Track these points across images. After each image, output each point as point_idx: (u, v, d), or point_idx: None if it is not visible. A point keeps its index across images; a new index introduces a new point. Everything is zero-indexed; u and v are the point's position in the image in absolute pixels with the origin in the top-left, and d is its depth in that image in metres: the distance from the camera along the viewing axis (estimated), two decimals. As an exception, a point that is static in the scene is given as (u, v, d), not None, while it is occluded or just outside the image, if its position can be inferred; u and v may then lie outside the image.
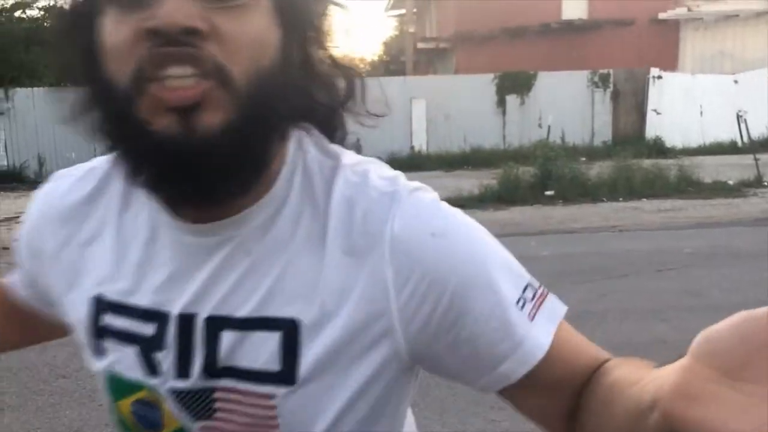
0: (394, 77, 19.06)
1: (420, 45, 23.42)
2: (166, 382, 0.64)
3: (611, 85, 17.21)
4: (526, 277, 0.63)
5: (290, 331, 0.60)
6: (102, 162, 0.71)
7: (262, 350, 0.61)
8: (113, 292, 0.66)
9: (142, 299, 0.64)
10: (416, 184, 0.64)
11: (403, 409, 0.69)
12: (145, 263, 0.65)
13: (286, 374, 0.61)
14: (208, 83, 0.53)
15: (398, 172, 0.65)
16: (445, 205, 0.63)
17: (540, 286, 0.64)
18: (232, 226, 0.62)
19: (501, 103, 17.19)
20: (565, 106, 16.69)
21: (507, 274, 0.62)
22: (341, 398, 0.62)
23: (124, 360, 0.66)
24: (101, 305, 0.66)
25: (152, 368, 0.64)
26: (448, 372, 0.64)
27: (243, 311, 0.61)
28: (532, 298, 0.62)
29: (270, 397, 0.61)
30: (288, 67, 0.58)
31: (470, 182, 10.85)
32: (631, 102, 17.21)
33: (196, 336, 0.62)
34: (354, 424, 0.63)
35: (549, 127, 15.60)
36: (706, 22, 19.30)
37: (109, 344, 0.66)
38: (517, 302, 0.61)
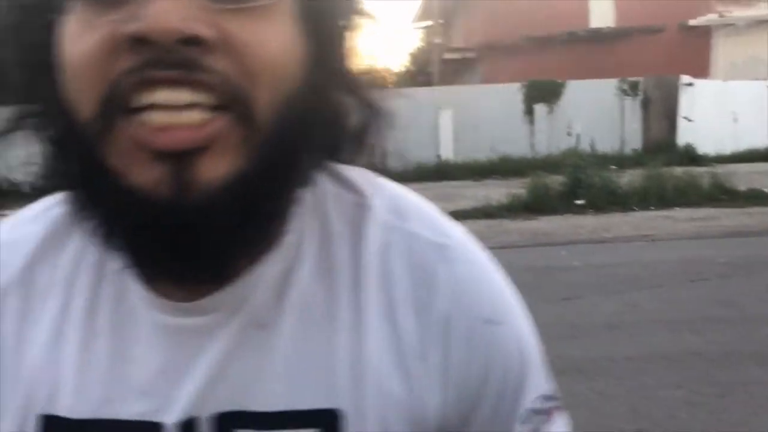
0: (421, 87, 19.10)
1: (447, 56, 23.44)
2: None
3: (641, 93, 17.00)
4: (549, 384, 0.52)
5: (331, 427, 0.45)
6: (38, 211, 0.51)
7: None
8: (72, 405, 0.45)
9: (122, 410, 0.45)
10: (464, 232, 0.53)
11: None
12: (117, 356, 0.46)
13: None
14: (220, 119, 0.38)
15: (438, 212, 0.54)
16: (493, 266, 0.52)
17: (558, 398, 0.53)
18: (235, 296, 0.45)
19: (529, 111, 17.10)
20: (594, 114, 16.53)
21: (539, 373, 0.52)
22: None
23: None
24: (55, 428, 0.45)
25: None
26: None
27: (265, 404, 0.45)
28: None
29: None
30: (317, 91, 0.43)
31: (499, 191, 10.79)
32: (661, 109, 16.97)
33: None
34: None
35: (578, 135, 15.47)
36: (738, 28, 18.99)
37: None
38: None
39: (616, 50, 19.33)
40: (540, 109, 17.05)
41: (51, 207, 0.50)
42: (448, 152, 16.88)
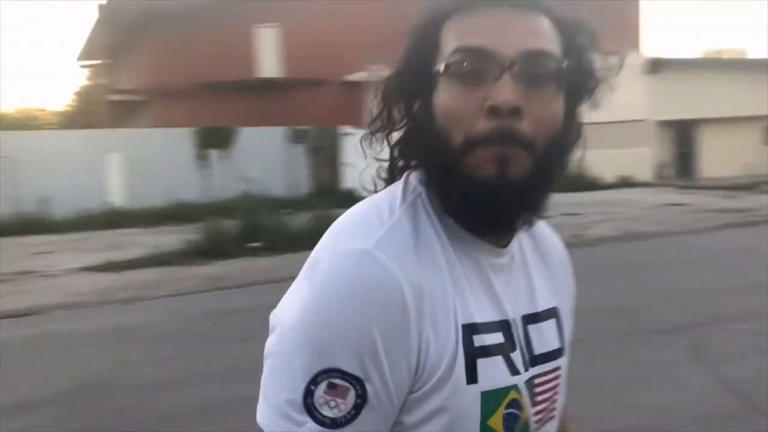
0: (86, 129, 17.79)
1: (114, 97, 22.27)
2: (523, 377, 0.76)
3: (308, 141, 18.27)
4: None
5: (557, 316, 0.85)
6: (387, 225, 0.73)
7: (550, 335, 0.83)
8: (469, 317, 0.73)
9: (490, 315, 0.75)
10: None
11: None
12: (474, 285, 0.75)
13: (561, 349, 0.84)
14: (521, 152, 0.70)
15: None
16: None
17: None
18: (511, 249, 0.81)
19: (202, 156, 17.10)
20: (267, 159, 17.25)
21: None
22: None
23: (493, 372, 0.73)
24: (467, 330, 0.72)
25: (513, 369, 0.75)
26: None
27: (539, 307, 0.82)
28: None
29: (557, 369, 0.83)
30: (566, 132, 0.76)
31: (173, 237, 10.52)
32: (326, 156, 18.45)
33: (522, 334, 0.79)
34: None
35: (252, 179, 15.93)
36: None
37: (480, 363, 0.72)
38: None
39: (284, 100, 20.49)
40: (214, 154, 17.17)
41: (400, 215, 0.75)
42: (118, 198, 15.94)
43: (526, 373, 0.76)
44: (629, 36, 21.17)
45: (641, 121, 20.61)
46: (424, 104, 0.75)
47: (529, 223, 0.77)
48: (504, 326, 0.76)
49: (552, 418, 0.82)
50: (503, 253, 0.79)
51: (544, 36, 0.72)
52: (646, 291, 6.70)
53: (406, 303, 0.68)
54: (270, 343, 0.71)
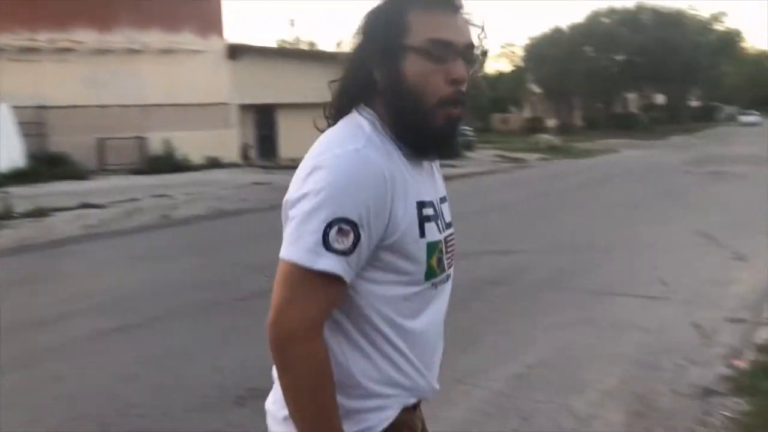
0: None
1: None
2: (443, 235, 1.21)
3: None
4: None
5: (447, 201, 1.30)
6: (359, 144, 1.12)
7: (447, 212, 1.28)
8: (419, 198, 1.16)
9: (428, 197, 1.20)
10: None
11: None
12: (416, 182, 1.17)
13: (452, 222, 1.29)
14: (461, 110, 1.16)
15: None
16: None
17: None
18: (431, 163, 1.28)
19: None
20: None
21: None
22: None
23: (432, 231, 1.17)
24: (419, 205, 1.16)
25: (440, 230, 1.20)
26: None
27: (442, 194, 1.29)
28: None
29: (453, 233, 1.27)
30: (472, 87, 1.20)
31: None
32: None
33: (439, 209, 1.23)
34: None
35: None
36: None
37: (426, 225, 1.16)
38: None
39: None
40: None
41: (370, 133, 1.15)
42: None
43: (443, 233, 1.21)
44: (212, 22, 21.80)
45: (225, 104, 21.54)
46: (390, 70, 1.14)
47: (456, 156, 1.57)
48: (433, 204, 1.20)
49: (452, 264, 1.26)
50: (425, 164, 1.24)
51: (471, 31, 1.17)
52: (233, 264, 7.21)
53: (386, 183, 1.09)
54: (293, 212, 1.10)
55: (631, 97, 57.84)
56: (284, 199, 1.16)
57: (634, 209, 10.89)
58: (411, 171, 1.17)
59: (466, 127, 32.60)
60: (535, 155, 26.91)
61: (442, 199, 1.28)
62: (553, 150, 29.22)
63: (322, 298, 1.07)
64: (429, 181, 1.24)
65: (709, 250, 7.38)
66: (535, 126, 46.46)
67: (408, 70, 1.12)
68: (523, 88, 55.43)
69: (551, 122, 49.25)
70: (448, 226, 1.26)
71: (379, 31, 1.14)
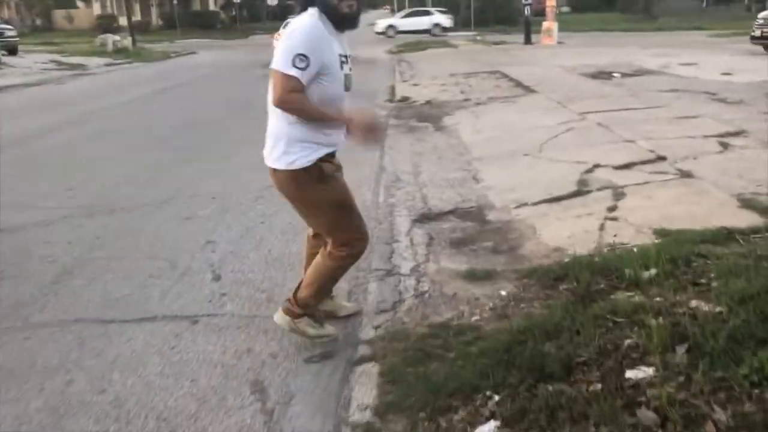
0: None
1: None
2: (350, 71, 2.74)
3: None
4: None
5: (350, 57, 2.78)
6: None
7: (351, 61, 2.76)
8: (341, 51, 2.66)
9: (342, 51, 2.66)
10: None
11: None
12: (337, 42, 2.65)
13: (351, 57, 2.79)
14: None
15: None
16: None
17: None
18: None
19: None
20: None
21: None
22: None
23: (345, 69, 2.67)
24: (341, 56, 2.64)
25: (346, 68, 2.69)
26: None
27: (348, 51, 2.75)
28: None
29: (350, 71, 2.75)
30: None
31: None
32: None
33: (347, 57, 2.74)
34: None
35: None
36: None
37: (343, 66, 2.65)
38: None
39: None
40: None
41: (317, 18, 2.61)
42: None
43: (350, 71, 2.72)
44: None
45: None
46: None
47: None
48: (344, 57, 2.66)
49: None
50: (342, 34, 2.69)
51: None
52: None
53: (324, 39, 2.57)
54: (280, 45, 2.54)
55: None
56: (275, 39, 2.63)
57: (205, 129, 8.86)
58: (337, 37, 2.63)
59: (6, 26, 26.48)
60: (102, 60, 23.03)
61: (348, 55, 2.70)
62: (123, 53, 25.48)
63: (287, 84, 2.49)
64: (343, 43, 2.67)
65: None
66: (107, 25, 41.27)
67: None
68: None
69: (126, 21, 44.20)
70: (350, 67, 2.72)
71: None
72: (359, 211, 2.99)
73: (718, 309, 2.68)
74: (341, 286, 3.48)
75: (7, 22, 29.81)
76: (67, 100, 12.95)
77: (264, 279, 3.80)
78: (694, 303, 2.79)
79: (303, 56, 2.47)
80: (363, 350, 2.92)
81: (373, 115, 2.88)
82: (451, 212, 4.88)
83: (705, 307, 2.73)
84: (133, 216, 5.09)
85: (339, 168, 2.85)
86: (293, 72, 2.48)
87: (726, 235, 3.75)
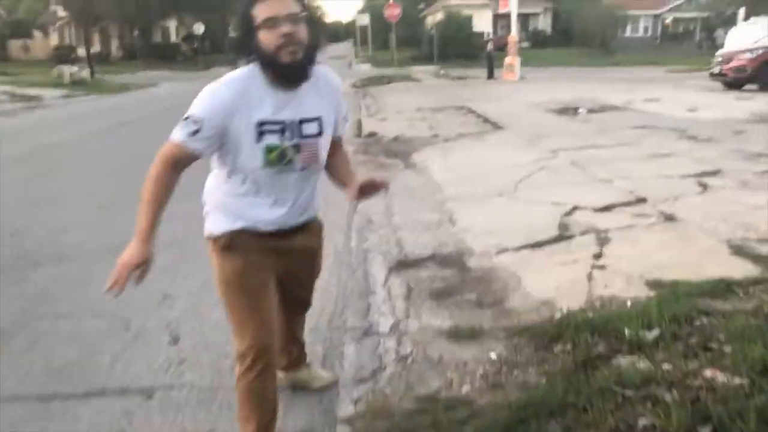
0: None
1: None
2: (291, 142, 2.07)
3: None
4: None
5: (320, 120, 2.14)
6: (235, 75, 2.05)
7: (312, 127, 2.12)
8: (262, 117, 2.02)
9: (277, 116, 2.03)
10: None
11: None
12: (271, 104, 2.02)
13: (320, 134, 2.15)
14: (299, 48, 1.99)
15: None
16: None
17: None
18: (298, 88, 2.07)
19: None
20: None
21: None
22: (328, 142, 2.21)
23: (272, 138, 2.03)
24: (259, 124, 2.01)
25: (283, 137, 2.06)
26: None
27: (308, 114, 2.10)
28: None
29: (316, 143, 2.14)
30: (313, 40, 2.04)
31: None
32: None
33: (297, 126, 2.08)
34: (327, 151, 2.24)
35: None
36: None
37: (266, 135, 2.03)
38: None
39: None
40: None
41: (238, 75, 2.06)
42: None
43: (294, 140, 2.07)
44: None
45: None
46: (254, 41, 1.97)
47: (305, 80, 2.06)
48: (281, 123, 2.04)
49: (315, 163, 2.17)
50: (291, 91, 2.05)
51: (293, 5, 1.97)
52: None
53: (250, 99, 2.00)
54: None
55: (172, 25, 54.95)
56: None
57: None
58: (277, 96, 2.04)
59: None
60: (59, 91, 22.39)
61: (310, 119, 2.11)
62: (80, 84, 24.85)
63: (164, 150, 2.04)
64: (298, 104, 2.08)
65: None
66: (65, 55, 40.46)
67: (261, 39, 1.96)
68: (47, 11, 47.65)
69: (84, 51, 43.43)
70: (311, 137, 2.12)
71: (244, 22, 2.01)
72: (270, 318, 2.23)
73: (738, 381, 2.42)
74: (315, 350, 3.14)
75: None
76: (18, 135, 12.40)
77: (227, 341, 3.39)
78: (709, 373, 2.53)
79: (194, 120, 1.98)
80: (342, 431, 2.58)
81: (139, 261, 2.07)
82: (429, 258, 4.59)
83: (723, 378, 2.47)
84: (83, 264, 4.67)
85: (278, 253, 2.23)
86: (176, 137, 2.00)
87: (725, 288, 3.53)
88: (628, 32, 49.00)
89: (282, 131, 2.05)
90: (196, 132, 1.98)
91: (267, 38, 1.95)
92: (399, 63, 33.49)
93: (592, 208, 5.47)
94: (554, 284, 3.95)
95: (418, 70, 31.06)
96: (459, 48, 38.44)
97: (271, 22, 1.94)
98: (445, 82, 23.73)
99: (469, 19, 41.56)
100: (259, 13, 1.96)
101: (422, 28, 46.54)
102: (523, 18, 30.08)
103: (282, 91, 2.04)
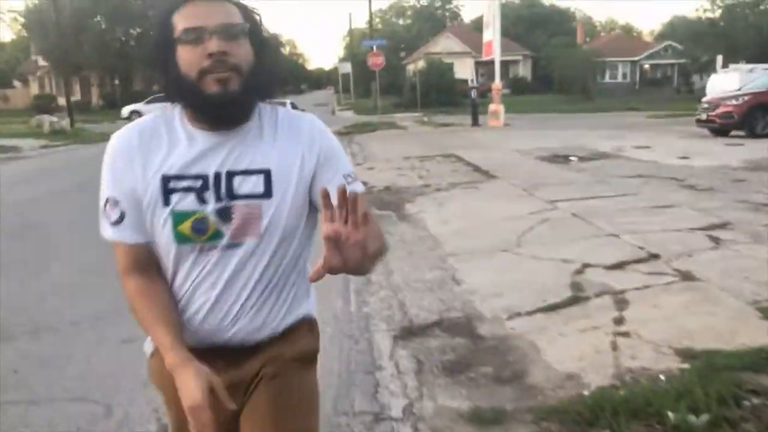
0: None
1: None
2: (213, 206, 1.37)
3: None
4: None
5: (267, 175, 1.39)
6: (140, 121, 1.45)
7: (253, 183, 1.38)
8: (170, 170, 1.37)
9: (191, 170, 1.36)
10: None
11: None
12: (188, 152, 1.38)
13: (267, 193, 1.38)
14: (233, 74, 1.32)
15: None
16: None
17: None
18: (233, 132, 1.39)
19: None
20: None
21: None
22: (289, 207, 1.41)
23: (185, 201, 1.36)
24: (165, 178, 1.36)
25: (203, 201, 1.36)
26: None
27: (247, 166, 1.38)
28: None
29: (259, 206, 1.38)
30: (260, 62, 1.38)
31: None
32: None
33: (225, 181, 1.37)
34: (293, 221, 1.43)
35: None
36: None
37: (173, 196, 1.36)
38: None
39: None
40: None
41: (138, 123, 1.43)
42: None
43: (218, 204, 1.37)
44: None
45: None
46: (171, 61, 1.34)
47: (243, 120, 1.40)
48: (202, 177, 1.36)
49: (256, 238, 1.40)
50: (220, 134, 1.38)
51: (230, 13, 1.35)
52: None
53: (133, 157, 1.39)
54: None
55: (153, 74, 54.98)
56: None
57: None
58: (189, 142, 1.39)
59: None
60: (38, 141, 22.04)
61: (251, 171, 1.39)
62: (60, 134, 24.52)
63: (117, 258, 1.44)
64: (224, 155, 1.38)
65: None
66: (45, 105, 40.21)
67: (180, 59, 1.33)
68: (27, 61, 47.54)
69: (65, 101, 43.26)
70: (249, 197, 1.38)
71: (160, 35, 1.38)
72: None
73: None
74: (323, 443, 2.78)
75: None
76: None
77: (223, 431, 3.05)
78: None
79: (112, 203, 1.40)
80: None
81: (205, 392, 1.27)
82: (436, 324, 4.27)
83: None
84: (61, 338, 4.28)
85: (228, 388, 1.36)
86: (105, 234, 1.43)
87: (767, 360, 3.25)
88: (606, 78, 49.90)
89: (200, 189, 1.36)
90: (120, 219, 1.40)
91: (187, 57, 1.32)
92: (382, 110, 33.59)
93: (604, 265, 5.20)
94: (576, 354, 3.64)
95: (402, 117, 31.16)
96: (441, 95, 38.75)
97: (193, 35, 1.31)
98: (430, 129, 23.72)
99: (451, 66, 42.02)
100: (179, 21, 1.34)
101: (404, 75, 47.01)
102: (503, 65, 30.52)
103: (208, 134, 1.38)
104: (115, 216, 1.39)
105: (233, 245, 1.38)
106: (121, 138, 1.41)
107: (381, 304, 4.71)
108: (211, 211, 1.36)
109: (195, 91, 1.32)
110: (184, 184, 1.36)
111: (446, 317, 4.38)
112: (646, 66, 53.71)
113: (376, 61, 30.08)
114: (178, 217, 1.36)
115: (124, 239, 1.41)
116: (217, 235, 1.37)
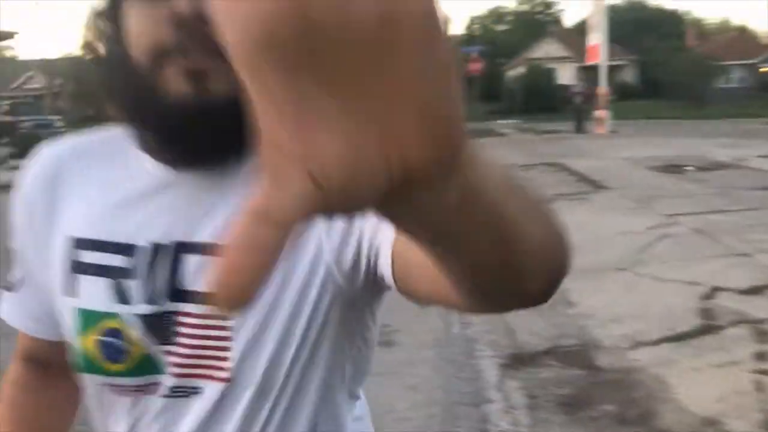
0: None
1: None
2: (137, 308, 0.68)
3: None
4: None
5: None
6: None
7: None
8: (80, 230, 0.71)
9: (112, 235, 0.70)
10: None
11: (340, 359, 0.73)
12: (116, 205, 0.72)
13: None
14: (221, 63, 0.60)
15: None
16: None
17: None
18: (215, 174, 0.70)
19: None
20: None
21: None
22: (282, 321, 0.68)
23: (95, 293, 0.69)
24: (72, 243, 0.71)
25: (122, 297, 0.69)
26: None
27: (206, 236, 0.68)
28: None
29: (226, 319, 0.67)
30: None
31: None
32: None
33: (165, 260, 0.69)
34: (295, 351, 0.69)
35: None
36: None
37: (83, 279, 0.70)
38: None
39: None
40: None
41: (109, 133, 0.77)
42: None
43: (150, 306, 0.69)
44: None
45: None
46: (112, 39, 0.67)
47: (233, 154, 0.67)
48: (128, 249, 0.69)
49: (213, 374, 0.70)
50: (194, 174, 0.70)
51: None
52: None
53: (36, 197, 0.76)
54: None
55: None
56: None
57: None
58: (132, 179, 0.73)
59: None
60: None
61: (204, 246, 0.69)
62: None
63: (18, 344, 0.87)
64: (178, 212, 0.70)
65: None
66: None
67: (123, 31, 0.65)
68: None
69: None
70: (190, 296, 0.69)
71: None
72: None
73: None
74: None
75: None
76: None
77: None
78: None
79: (17, 255, 0.83)
80: None
81: None
82: (548, 353, 3.92)
83: None
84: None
85: None
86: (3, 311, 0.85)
87: None
88: (722, 82, 47.05)
89: (119, 273, 0.70)
90: (20, 284, 0.83)
91: (137, 25, 0.64)
92: (477, 117, 33.06)
93: (737, 289, 4.66)
94: (714, 395, 3.21)
95: (500, 124, 30.54)
96: (543, 101, 37.75)
97: None
98: (532, 137, 23.06)
99: (552, 71, 40.92)
100: None
101: (501, 81, 46.21)
102: (609, 69, 29.22)
103: (168, 168, 0.72)
104: (16, 275, 0.82)
105: (181, 391, 0.72)
106: (35, 164, 0.78)
107: (485, 327, 4.40)
108: (134, 320, 0.69)
109: (145, 90, 0.64)
110: (97, 257, 0.71)
111: (559, 345, 4.02)
112: (764, 69, 50.21)
113: (476, 66, 29.66)
114: (86, 320, 0.71)
115: (12, 322, 0.84)
116: (148, 367, 0.71)
